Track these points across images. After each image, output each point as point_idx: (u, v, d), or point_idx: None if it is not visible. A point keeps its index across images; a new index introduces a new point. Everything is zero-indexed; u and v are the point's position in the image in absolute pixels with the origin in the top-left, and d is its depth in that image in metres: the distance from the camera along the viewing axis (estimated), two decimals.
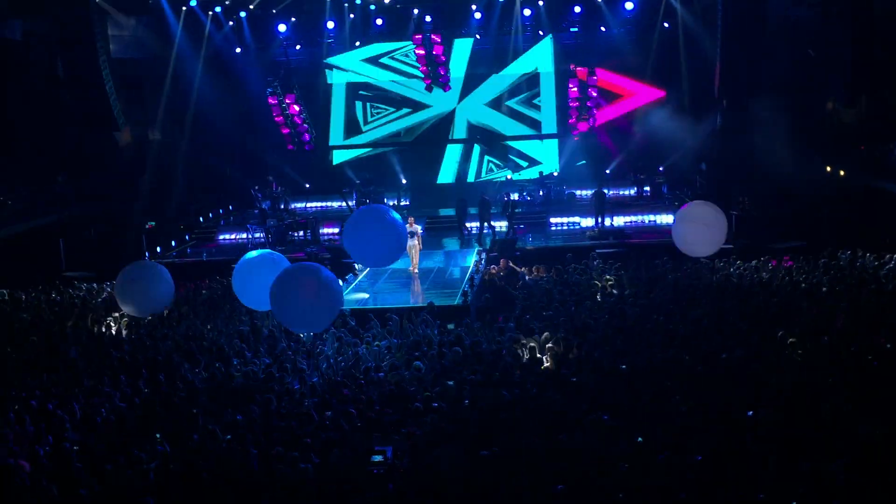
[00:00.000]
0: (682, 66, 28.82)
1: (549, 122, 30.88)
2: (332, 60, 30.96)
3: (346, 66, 31.10)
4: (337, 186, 29.60)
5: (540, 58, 30.68)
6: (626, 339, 13.50)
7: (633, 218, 26.17)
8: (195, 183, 29.30)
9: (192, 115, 29.00)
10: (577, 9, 28.52)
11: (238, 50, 29.30)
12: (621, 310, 15.24)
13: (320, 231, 25.99)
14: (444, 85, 29.07)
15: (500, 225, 25.93)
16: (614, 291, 17.17)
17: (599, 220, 25.25)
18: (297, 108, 29.31)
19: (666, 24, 28.40)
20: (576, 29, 29.11)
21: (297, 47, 30.25)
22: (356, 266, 22.07)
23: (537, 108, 30.93)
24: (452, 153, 31.66)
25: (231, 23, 28.83)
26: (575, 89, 28.25)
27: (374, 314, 16.30)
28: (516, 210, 24.57)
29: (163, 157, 28.15)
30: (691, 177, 28.34)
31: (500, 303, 17.50)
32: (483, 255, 22.17)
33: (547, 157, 31.10)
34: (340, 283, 20.26)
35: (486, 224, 24.46)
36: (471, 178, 31.19)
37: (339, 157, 31.90)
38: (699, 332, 13.63)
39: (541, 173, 28.96)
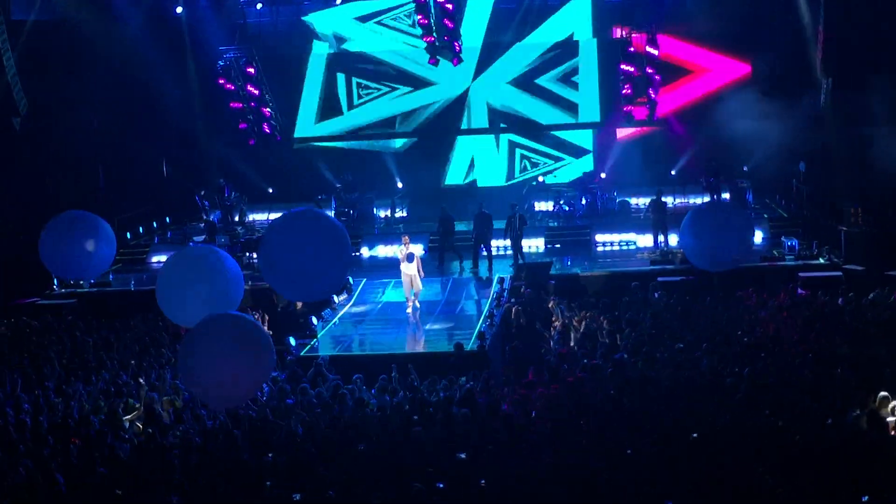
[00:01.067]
0: (772, 32, 28.93)
1: (590, 106, 30.95)
2: (311, 18, 31.08)
3: (326, 29, 31.26)
4: (310, 192, 29.72)
5: (575, 20, 30.83)
6: (699, 397, 13.49)
7: None
8: (121, 186, 29.45)
9: (118, 94, 29.17)
10: None
11: (179, 10, 29.52)
12: (691, 359, 15.23)
13: None
14: (454, 57, 29.22)
15: (529, 245, 26.09)
16: (681, 335, 17.16)
17: (660, 238, 25.25)
18: (257, 87, 29.49)
19: None
20: None
21: (259, 6, 30.49)
22: (335, 299, 22.15)
23: (575, 86, 31.09)
24: (464, 148, 31.78)
25: None
26: (629, 66, 28.34)
27: (359, 363, 16.34)
28: (524, 226, 24.43)
29: (78, 150, 28.28)
30: (785, 180, 28.37)
31: (530, 350, 17.50)
32: (506, 285, 22.22)
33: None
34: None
35: (483, 245, 24.26)
36: (501, 180, 31.25)
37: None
38: (797, 389, 13.59)
39: (585, 174, 29.07)
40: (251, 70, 29.23)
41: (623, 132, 30.96)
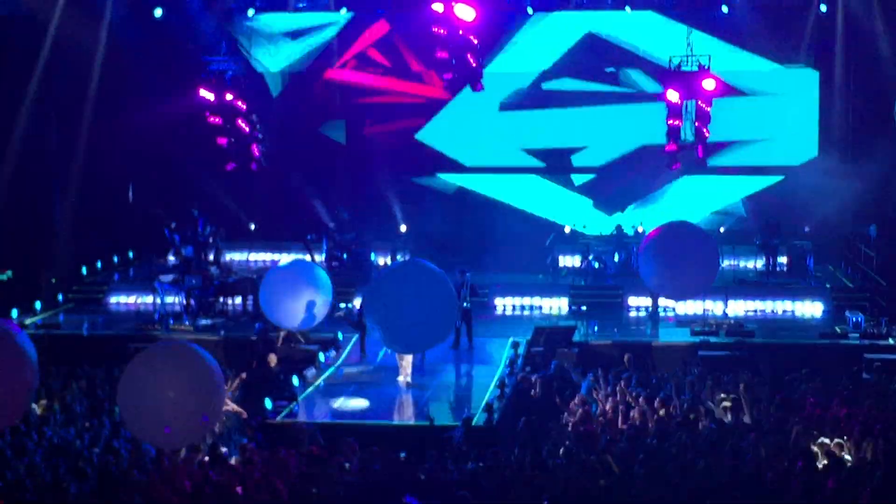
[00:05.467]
0: (839, 76, 29.13)
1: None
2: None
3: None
4: (298, 230, 29.81)
5: None
6: (744, 491, 13.47)
7: (758, 305, 26.29)
8: (78, 212, 29.54)
9: (83, 105, 29.35)
10: None
11: (158, 13, 29.77)
12: (735, 447, 15.22)
13: None
14: (476, 82, 29.42)
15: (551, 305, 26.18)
16: (727, 418, 17.15)
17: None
18: (241, 104, 29.67)
19: (823, 7, 28.75)
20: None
21: (251, 13, 30.80)
22: (319, 358, 22.23)
23: None
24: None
25: None
26: (677, 122, 28.37)
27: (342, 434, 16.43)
28: (477, 293, 24.14)
29: (29, 169, 28.39)
30: (853, 244, 28.43)
31: (546, 427, 17.52)
32: (521, 350, 22.28)
33: None
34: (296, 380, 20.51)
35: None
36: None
37: None
38: (860, 491, 13.56)
39: (618, 227, 29.14)
40: (241, 104, 29.21)
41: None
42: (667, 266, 21.23)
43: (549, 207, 31.81)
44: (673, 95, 27.68)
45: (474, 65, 28.56)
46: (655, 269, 21.50)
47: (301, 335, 22.97)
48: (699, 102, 27.82)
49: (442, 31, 27.72)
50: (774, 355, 21.89)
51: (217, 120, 29.18)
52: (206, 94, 28.88)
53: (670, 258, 21.07)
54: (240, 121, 29.36)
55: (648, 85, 30.72)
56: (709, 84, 27.42)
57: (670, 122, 28.13)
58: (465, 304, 23.20)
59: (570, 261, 29.71)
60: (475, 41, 28.16)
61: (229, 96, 29.03)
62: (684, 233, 22.24)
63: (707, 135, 28.20)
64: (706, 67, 27.64)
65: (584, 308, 26.40)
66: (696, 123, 28.01)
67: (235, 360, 21.44)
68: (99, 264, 29.47)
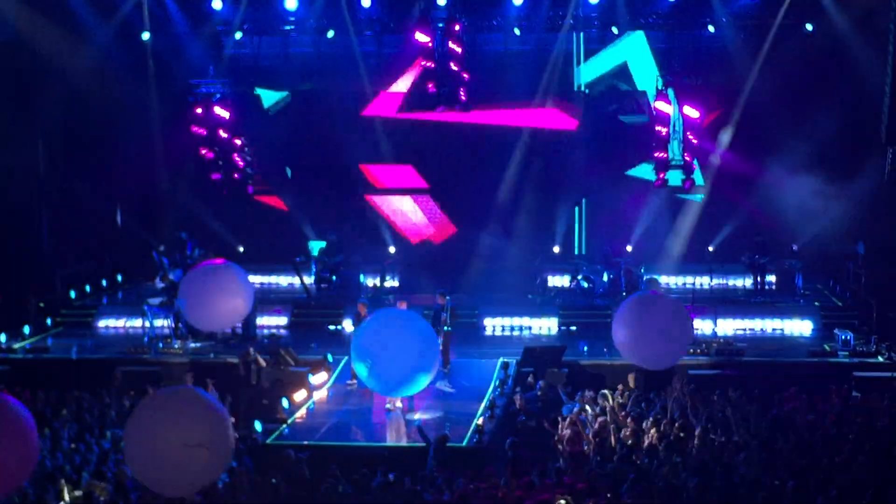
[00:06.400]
0: (827, 94, 29.19)
1: None
2: None
3: None
4: (287, 252, 29.77)
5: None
6: None
7: (747, 323, 26.29)
8: (64, 235, 29.51)
9: (71, 128, 29.30)
10: None
11: (146, 36, 29.82)
12: (728, 466, 15.22)
13: (257, 321, 26.08)
14: (465, 105, 29.51)
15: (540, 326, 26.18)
16: (712, 437, 17.16)
17: None
18: (231, 132, 29.65)
19: (809, 27, 28.89)
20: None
21: (238, 35, 30.82)
22: (309, 380, 22.17)
23: None
24: None
25: None
26: (664, 130, 28.42)
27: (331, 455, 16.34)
28: (453, 319, 23.48)
29: (17, 192, 28.35)
30: (840, 262, 28.48)
31: (535, 449, 17.50)
32: (510, 371, 22.26)
33: None
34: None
35: None
36: None
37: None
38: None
39: (608, 246, 29.14)
40: (225, 113, 29.29)
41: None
42: (636, 339, 20.40)
43: None
44: (663, 106, 27.81)
45: (464, 99, 28.75)
46: (625, 341, 20.64)
47: (291, 357, 22.88)
48: (686, 115, 27.99)
49: (430, 64, 27.93)
50: (764, 374, 21.89)
51: (202, 131, 29.13)
52: (198, 111, 28.92)
53: (640, 331, 20.27)
54: (221, 131, 29.35)
55: None
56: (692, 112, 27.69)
57: (658, 128, 28.26)
58: (445, 328, 22.88)
59: (558, 281, 29.70)
60: (466, 76, 28.36)
61: (219, 109, 28.99)
62: (654, 305, 20.97)
63: (698, 147, 28.34)
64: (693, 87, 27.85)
65: (573, 328, 26.41)
66: (688, 134, 28.12)
67: (221, 382, 21.32)
68: (88, 288, 29.41)
